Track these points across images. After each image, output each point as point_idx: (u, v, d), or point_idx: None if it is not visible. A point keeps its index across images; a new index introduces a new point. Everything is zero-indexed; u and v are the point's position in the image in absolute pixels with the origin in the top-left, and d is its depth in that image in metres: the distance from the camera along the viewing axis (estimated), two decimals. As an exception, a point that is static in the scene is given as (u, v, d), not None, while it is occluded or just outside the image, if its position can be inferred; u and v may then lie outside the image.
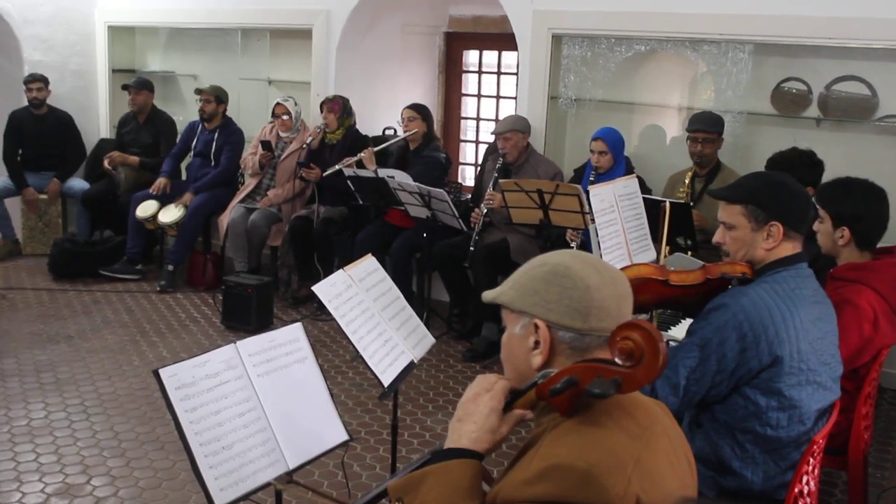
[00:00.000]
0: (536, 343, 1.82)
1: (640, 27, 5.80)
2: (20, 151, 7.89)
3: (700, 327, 2.70)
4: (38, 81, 7.83)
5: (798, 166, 4.46)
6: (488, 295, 1.94)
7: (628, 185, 4.01)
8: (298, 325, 2.89)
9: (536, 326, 1.81)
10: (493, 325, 5.79)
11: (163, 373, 2.46)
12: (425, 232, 6.07)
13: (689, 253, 4.49)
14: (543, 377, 1.78)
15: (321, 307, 6.53)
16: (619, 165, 5.57)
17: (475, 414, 1.86)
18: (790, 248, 2.75)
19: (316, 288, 3.05)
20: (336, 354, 5.81)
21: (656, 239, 3.97)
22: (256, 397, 2.63)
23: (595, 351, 1.79)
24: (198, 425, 2.47)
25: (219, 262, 7.33)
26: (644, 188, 4.86)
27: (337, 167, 6.39)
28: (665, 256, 3.88)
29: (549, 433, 1.77)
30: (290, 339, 2.84)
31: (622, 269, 2.79)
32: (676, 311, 3.86)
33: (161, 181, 7.39)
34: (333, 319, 3.07)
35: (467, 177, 7.91)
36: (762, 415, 2.65)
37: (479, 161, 7.24)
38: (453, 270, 6.10)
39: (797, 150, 4.73)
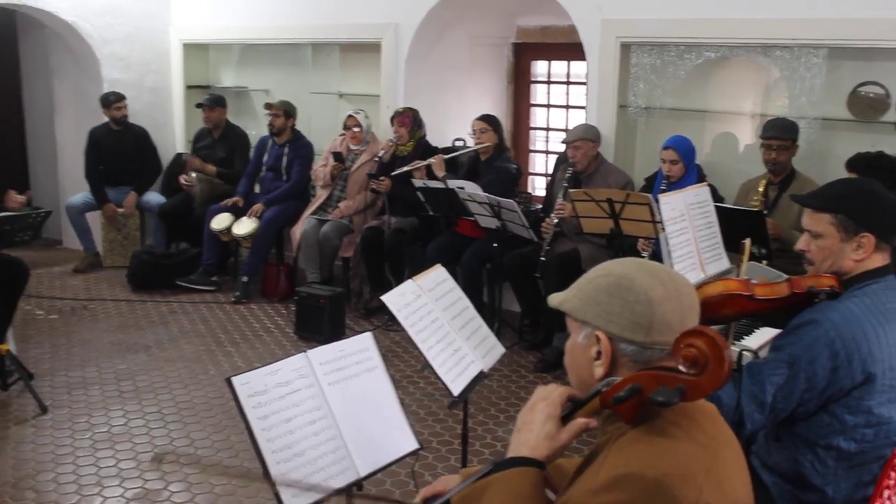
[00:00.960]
0: (598, 354, 1.82)
1: (711, 34, 5.73)
2: (100, 167, 8.11)
3: (788, 343, 2.62)
4: (120, 100, 8.05)
5: (880, 170, 4.34)
6: (553, 300, 1.94)
7: (699, 193, 3.96)
8: (368, 334, 2.92)
9: (598, 338, 1.81)
10: (565, 335, 5.75)
11: (235, 381, 2.51)
12: (496, 242, 6.09)
13: (764, 262, 4.42)
14: (607, 385, 1.78)
15: (392, 318, 6.58)
16: (691, 174, 5.50)
17: (532, 422, 1.86)
18: (880, 259, 2.64)
19: (385, 298, 3.08)
20: (407, 364, 5.85)
21: (729, 248, 3.92)
22: (327, 405, 2.66)
23: (657, 363, 1.78)
24: (270, 432, 2.50)
25: (292, 274, 7.43)
26: (716, 196, 4.80)
27: (406, 168, 6.45)
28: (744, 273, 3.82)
29: (615, 442, 1.76)
30: (360, 348, 2.87)
31: (707, 284, 2.76)
32: (754, 319, 3.80)
33: (234, 199, 7.53)
34: (404, 330, 3.09)
35: (537, 187, 7.89)
36: (847, 431, 2.57)
37: (549, 171, 7.22)
38: (524, 280, 6.09)
39: (883, 154, 4.59)
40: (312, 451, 2.57)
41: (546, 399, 1.88)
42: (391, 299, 3.08)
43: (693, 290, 1.86)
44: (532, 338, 6.30)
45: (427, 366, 3.05)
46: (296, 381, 2.63)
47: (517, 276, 6.12)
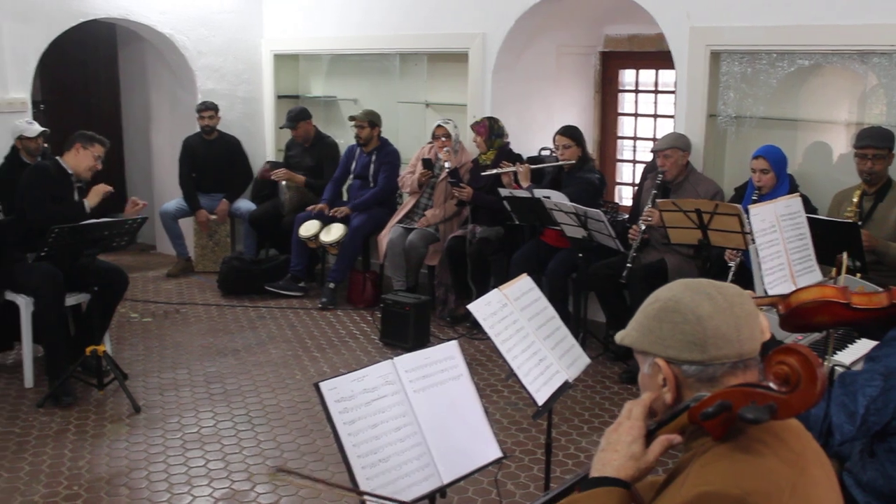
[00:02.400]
0: (664, 381, 1.82)
1: (804, 41, 5.61)
2: (193, 174, 8.32)
3: (885, 354, 2.56)
4: (209, 109, 8.25)
5: None
6: (618, 336, 1.97)
7: (791, 203, 3.89)
8: (454, 342, 2.94)
9: (659, 366, 1.81)
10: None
11: (323, 386, 2.55)
12: (581, 252, 6.05)
13: (858, 275, 4.31)
14: (695, 400, 1.76)
15: (477, 326, 6.61)
16: (783, 184, 5.39)
17: (617, 443, 1.86)
18: None
19: (471, 306, 3.10)
20: (491, 373, 5.85)
21: (822, 261, 3.84)
22: (412, 412, 2.69)
23: (725, 378, 1.77)
24: (356, 437, 2.54)
25: (378, 281, 7.50)
26: (809, 208, 4.70)
27: (495, 171, 6.46)
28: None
29: (699, 458, 1.75)
30: (445, 356, 2.89)
31: (803, 288, 2.72)
32: (851, 330, 3.71)
33: (319, 206, 7.64)
34: (489, 338, 3.11)
35: (624, 197, 7.83)
36: None
37: (637, 181, 7.16)
38: (610, 291, 6.05)
39: None
40: (397, 457, 2.60)
41: (629, 418, 1.88)
42: (477, 308, 3.09)
43: (749, 299, 1.86)
44: (617, 349, 6.24)
45: (512, 375, 3.06)
46: (382, 387, 2.66)
47: (603, 287, 6.07)
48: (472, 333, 6.56)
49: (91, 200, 5.64)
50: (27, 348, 5.58)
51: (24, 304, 5.51)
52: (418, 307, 6.31)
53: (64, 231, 5.13)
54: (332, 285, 7.44)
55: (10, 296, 5.57)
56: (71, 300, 5.66)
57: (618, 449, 1.84)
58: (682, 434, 1.83)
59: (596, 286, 6.15)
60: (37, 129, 6.66)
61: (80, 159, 5.64)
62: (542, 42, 7.43)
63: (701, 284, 1.84)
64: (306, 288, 7.73)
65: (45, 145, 6.48)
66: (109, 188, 5.81)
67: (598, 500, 1.78)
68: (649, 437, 1.85)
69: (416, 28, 7.68)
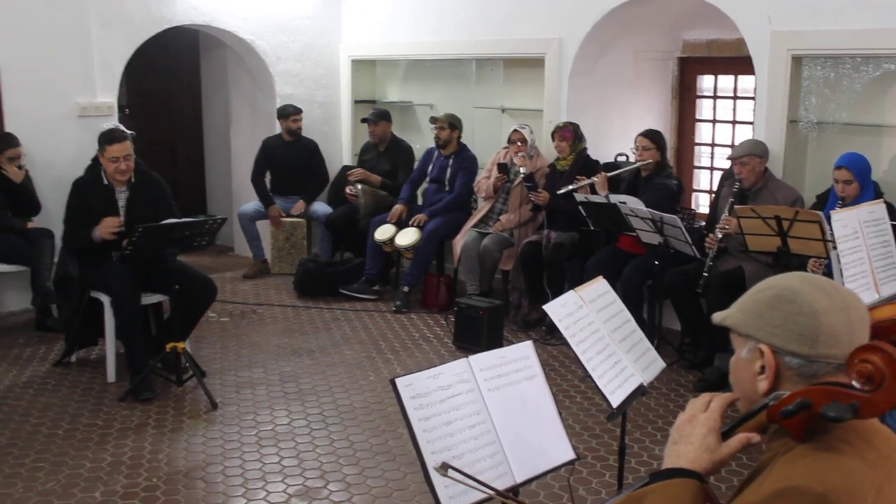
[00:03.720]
0: (762, 368, 1.79)
1: (890, 45, 5.48)
2: (269, 176, 8.47)
3: None
4: (298, 112, 8.39)
5: None
6: (717, 317, 1.92)
7: (874, 210, 3.81)
8: (529, 343, 2.95)
9: (762, 351, 1.78)
10: (726, 355, 5.57)
11: (399, 382, 2.57)
12: (657, 258, 6.00)
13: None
14: (775, 399, 1.74)
15: (550, 331, 6.64)
16: (867, 193, 5.26)
17: (692, 435, 1.84)
18: None
19: (547, 307, 3.10)
20: (564, 378, 5.83)
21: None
22: (486, 411, 2.70)
23: (825, 378, 1.73)
24: (430, 434, 2.56)
25: (452, 285, 7.53)
26: (894, 214, 4.59)
27: (570, 187, 6.44)
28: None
29: (781, 458, 1.72)
30: (520, 356, 2.90)
31: (877, 307, 2.67)
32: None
33: (398, 209, 7.70)
34: (563, 344, 3.11)
35: (701, 204, 7.74)
36: None
37: (714, 188, 7.07)
38: (686, 298, 5.97)
39: None
40: (471, 454, 2.61)
41: (705, 411, 1.86)
42: (553, 309, 3.09)
43: (863, 304, 1.82)
44: (692, 357, 6.16)
45: (586, 376, 3.05)
46: (457, 385, 2.68)
47: (678, 294, 6.01)
48: (545, 339, 6.54)
49: (99, 232, 5.51)
50: (110, 344, 5.73)
51: (108, 302, 5.66)
52: (492, 311, 6.32)
53: (147, 230, 5.26)
54: (406, 289, 7.49)
55: (94, 293, 5.73)
56: (151, 299, 5.80)
57: (692, 441, 1.82)
58: (762, 433, 1.81)
59: (671, 294, 6.08)
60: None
61: (105, 166, 5.59)
62: (619, 47, 7.38)
63: (821, 281, 1.81)
64: (380, 291, 7.80)
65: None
66: (114, 227, 5.51)
67: (672, 491, 1.76)
68: (725, 435, 1.83)
69: (493, 33, 7.70)
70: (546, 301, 5.98)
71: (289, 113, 8.38)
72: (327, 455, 4.69)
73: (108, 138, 5.54)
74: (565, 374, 5.91)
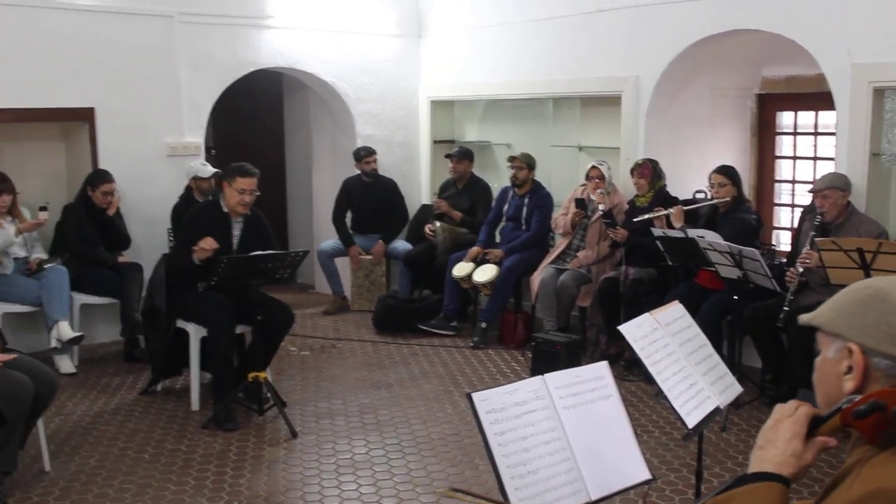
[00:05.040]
0: (849, 368, 1.78)
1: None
2: (349, 215, 8.65)
3: None
4: (372, 154, 8.57)
5: None
6: (803, 318, 1.92)
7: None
8: (604, 363, 2.97)
9: (850, 351, 1.77)
10: (809, 391, 5.50)
11: (475, 397, 2.62)
12: (736, 294, 5.94)
13: None
14: (849, 402, 1.73)
15: (628, 367, 6.61)
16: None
17: (777, 440, 1.83)
18: None
19: (622, 328, 3.12)
20: (643, 414, 5.77)
21: None
22: (562, 428, 2.72)
23: None
24: (505, 448, 2.59)
25: (529, 321, 7.55)
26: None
27: (647, 216, 6.44)
28: None
29: (868, 462, 1.71)
30: (595, 375, 2.92)
31: None
32: None
33: (475, 250, 7.78)
34: (640, 380, 3.12)
35: (782, 241, 7.64)
36: None
37: (795, 225, 6.98)
38: (766, 334, 5.90)
39: None
40: (546, 470, 2.63)
41: (791, 416, 1.86)
42: (628, 329, 3.11)
43: None
44: (774, 393, 6.05)
45: (661, 396, 3.05)
46: (532, 401, 2.71)
47: (758, 329, 5.94)
48: (623, 375, 6.50)
49: (197, 255, 5.65)
50: (194, 374, 5.89)
51: (194, 332, 5.83)
52: (569, 346, 6.32)
53: (232, 261, 5.42)
54: (483, 325, 7.53)
55: (180, 323, 5.90)
56: (236, 330, 5.95)
57: (777, 445, 1.82)
58: (838, 437, 1.80)
59: (752, 329, 6.01)
60: (210, 170, 7.10)
61: (228, 197, 5.79)
62: (696, 84, 7.38)
63: None
64: (459, 328, 7.85)
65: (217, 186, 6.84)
66: (208, 247, 5.61)
67: (759, 494, 1.76)
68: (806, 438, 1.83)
69: (570, 72, 7.77)
70: (624, 336, 5.97)
71: (361, 156, 8.57)
72: (404, 484, 4.73)
73: (240, 171, 5.74)
74: (644, 409, 5.86)
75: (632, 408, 5.88)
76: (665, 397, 3.02)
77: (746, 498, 1.77)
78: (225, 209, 5.83)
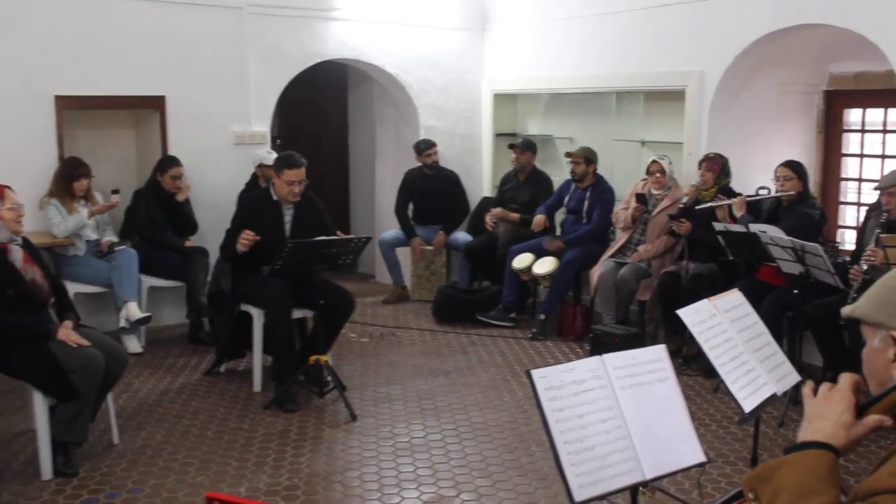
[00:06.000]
0: (895, 355, 1.80)
1: None
2: (411, 206, 8.74)
3: None
4: (431, 147, 8.66)
5: None
6: (845, 310, 1.94)
7: None
8: (662, 346, 3.00)
9: (894, 339, 1.80)
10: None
11: (534, 373, 2.68)
12: (797, 289, 5.90)
13: None
14: None
15: (686, 362, 6.59)
16: None
17: (827, 410, 1.85)
18: None
19: (680, 312, 3.15)
20: (700, 407, 5.75)
21: None
22: (618, 407, 2.76)
23: None
24: (563, 424, 2.64)
25: (588, 314, 7.56)
26: None
27: (709, 204, 6.42)
28: None
29: None
30: (653, 358, 2.96)
31: None
32: None
33: (540, 218, 7.84)
34: (698, 374, 3.14)
35: (847, 240, 7.55)
36: None
37: (861, 223, 6.90)
38: (827, 331, 5.84)
39: None
40: (602, 447, 2.68)
41: (839, 390, 1.88)
42: (686, 314, 3.14)
43: None
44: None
45: (719, 384, 3.07)
46: (590, 380, 2.76)
47: (820, 326, 5.88)
48: (681, 370, 6.48)
49: (239, 247, 5.75)
50: (257, 356, 6.02)
51: (257, 316, 5.96)
52: (628, 339, 6.33)
53: (296, 246, 5.53)
54: (542, 317, 7.56)
55: (244, 307, 6.04)
56: (298, 314, 6.05)
57: (827, 416, 1.83)
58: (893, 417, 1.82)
59: (813, 326, 5.96)
60: (275, 157, 7.21)
61: (278, 188, 5.90)
62: (761, 80, 7.33)
63: None
64: (517, 319, 7.89)
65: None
66: (248, 240, 5.71)
67: (807, 460, 1.77)
68: (858, 416, 1.84)
69: (633, 66, 7.77)
70: (683, 332, 5.96)
71: (422, 149, 8.67)
72: (460, 467, 4.80)
73: (287, 163, 5.84)
74: (701, 403, 5.84)
75: (689, 402, 5.82)
76: (723, 383, 3.03)
77: (795, 464, 1.78)
78: (275, 197, 5.94)
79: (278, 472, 4.68)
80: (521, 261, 7.73)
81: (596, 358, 2.80)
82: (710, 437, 5.25)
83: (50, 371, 4.44)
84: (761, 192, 7.10)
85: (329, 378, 5.78)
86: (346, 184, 10.53)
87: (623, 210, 7.40)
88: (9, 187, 4.61)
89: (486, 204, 8.95)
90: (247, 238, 5.69)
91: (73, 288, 6.52)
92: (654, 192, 7.20)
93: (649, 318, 7.06)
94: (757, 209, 6.55)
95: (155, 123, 7.56)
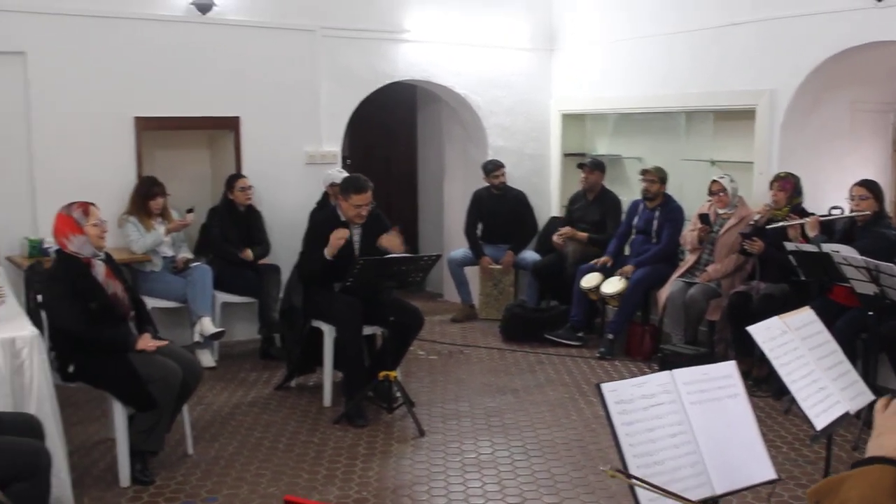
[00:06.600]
0: None
1: None
2: (480, 225, 8.79)
3: None
4: (499, 168, 8.72)
5: None
6: None
7: None
8: (732, 362, 3.00)
9: None
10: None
11: (604, 387, 2.70)
12: (872, 310, 5.80)
13: None
14: None
15: (757, 384, 6.51)
16: None
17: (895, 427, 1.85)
18: None
19: (751, 328, 3.14)
20: (770, 429, 5.68)
21: None
22: (688, 422, 2.77)
23: None
24: (632, 438, 2.66)
25: (656, 334, 7.52)
26: None
27: (782, 223, 6.36)
28: None
29: None
30: (723, 374, 2.96)
31: None
32: None
33: (603, 259, 7.80)
34: (768, 396, 3.12)
35: (923, 261, 7.39)
36: None
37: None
38: (903, 354, 5.75)
39: None
40: (672, 461, 2.69)
41: None
42: (756, 330, 3.13)
43: None
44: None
45: (791, 405, 3.06)
46: (660, 395, 2.78)
47: (895, 348, 5.78)
48: (751, 391, 6.41)
49: (329, 251, 5.89)
50: (327, 372, 6.12)
51: (328, 331, 6.06)
52: (697, 359, 6.28)
53: (368, 263, 5.62)
54: (610, 336, 7.55)
55: (315, 323, 6.14)
56: (368, 331, 6.13)
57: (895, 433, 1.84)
58: None
59: (888, 347, 5.86)
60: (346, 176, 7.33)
61: (345, 210, 6.01)
62: (834, 98, 7.24)
63: None
64: (585, 338, 7.88)
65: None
66: (341, 238, 5.87)
67: (873, 474, 1.77)
68: None
69: (702, 86, 7.74)
70: (753, 353, 5.87)
71: (489, 170, 8.74)
72: (528, 484, 4.81)
73: (355, 187, 5.96)
74: (772, 425, 5.76)
75: (760, 423, 5.76)
76: (794, 401, 3.01)
77: (860, 478, 1.78)
78: (343, 218, 6.05)
79: (347, 485, 4.75)
80: (589, 280, 7.72)
81: (666, 373, 2.82)
82: (782, 458, 5.19)
83: (129, 382, 4.58)
84: (834, 211, 7.00)
85: (398, 394, 5.85)
86: (414, 203, 10.65)
87: (690, 231, 7.35)
88: (93, 204, 4.78)
89: (554, 223, 8.97)
90: (340, 236, 5.82)
91: (149, 303, 6.66)
92: (720, 211, 7.15)
93: (719, 338, 6.99)
94: (830, 229, 6.47)
95: (229, 143, 7.75)
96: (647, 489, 2.45)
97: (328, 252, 5.86)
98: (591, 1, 9.01)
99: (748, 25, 7.30)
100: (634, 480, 2.47)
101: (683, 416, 2.76)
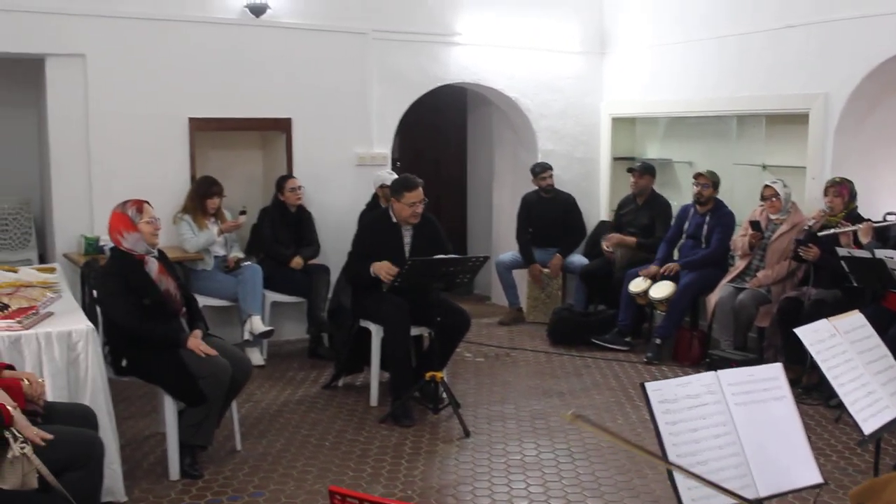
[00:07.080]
0: None
1: None
2: (530, 230, 8.79)
3: None
4: (546, 171, 8.72)
5: None
6: None
7: None
8: (778, 364, 2.99)
9: None
10: None
11: (648, 386, 2.70)
12: (925, 317, 5.72)
13: None
14: None
15: (806, 391, 6.43)
16: None
17: None
18: None
19: (799, 330, 3.13)
20: (820, 437, 5.62)
21: None
22: (733, 423, 2.76)
23: None
24: (676, 437, 2.66)
25: (705, 340, 7.45)
26: None
27: (834, 230, 6.28)
28: None
29: None
30: (769, 376, 2.95)
31: None
32: None
33: (652, 269, 7.73)
34: (818, 404, 3.10)
35: (980, 269, 7.25)
36: None
37: None
38: (957, 361, 5.64)
39: None
40: (715, 462, 2.68)
41: None
42: (804, 332, 3.12)
43: None
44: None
45: (840, 414, 3.03)
46: (704, 395, 2.77)
47: (950, 357, 5.68)
48: (800, 398, 6.33)
49: (375, 269, 5.87)
50: (374, 371, 6.17)
51: (375, 332, 6.10)
52: (745, 365, 6.19)
53: (416, 263, 5.66)
54: (658, 341, 7.50)
55: (363, 323, 6.19)
56: (415, 331, 6.16)
57: None
58: None
59: (942, 355, 5.75)
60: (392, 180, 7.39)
61: (397, 210, 6.05)
62: (890, 102, 7.12)
63: None
64: (632, 343, 7.84)
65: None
66: (392, 272, 5.79)
67: None
68: None
69: (755, 90, 7.67)
70: (804, 361, 5.80)
71: (537, 172, 8.74)
72: (573, 486, 4.81)
73: (406, 185, 6.00)
74: (821, 433, 5.68)
75: (809, 431, 5.69)
76: (842, 405, 2.99)
77: None
78: (394, 219, 6.08)
79: (392, 484, 4.79)
80: (637, 284, 7.68)
81: (711, 373, 2.81)
82: (830, 466, 5.12)
83: (180, 377, 4.66)
84: (889, 217, 6.90)
85: (444, 395, 5.87)
86: (463, 206, 10.68)
87: (741, 237, 7.29)
88: (147, 202, 4.87)
89: (602, 227, 8.95)
90: (389, 271, 5.80)
91: (200, 301, 6.76)
92: (772, 216, 7.08)
93: (768, 344, 6.92)
94: (884, 236, 6.37)
95: (281, 144, 7.85)
96: (686, 475, 2.45)
97: (373, 271, 5.89)
98: (642, 4, 8.98)
99: (802, 28, 7.21)
100: (599, 429, 2.36)
101: (728, 417, 2.75)
